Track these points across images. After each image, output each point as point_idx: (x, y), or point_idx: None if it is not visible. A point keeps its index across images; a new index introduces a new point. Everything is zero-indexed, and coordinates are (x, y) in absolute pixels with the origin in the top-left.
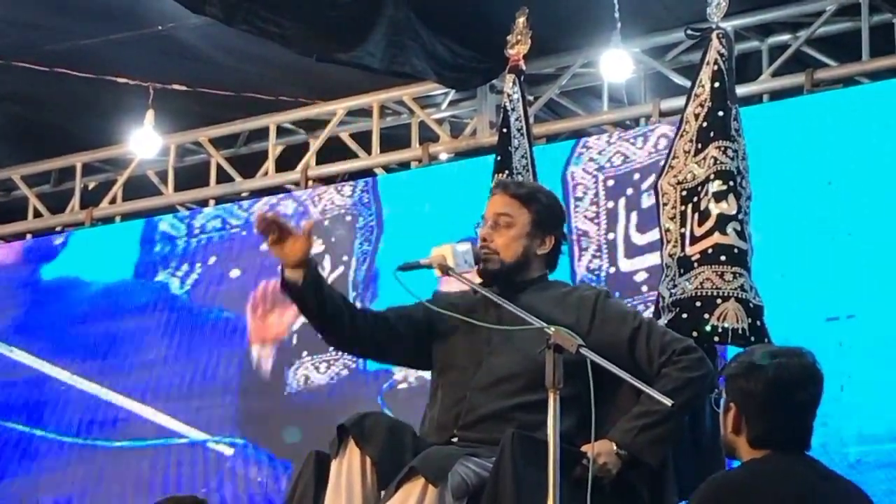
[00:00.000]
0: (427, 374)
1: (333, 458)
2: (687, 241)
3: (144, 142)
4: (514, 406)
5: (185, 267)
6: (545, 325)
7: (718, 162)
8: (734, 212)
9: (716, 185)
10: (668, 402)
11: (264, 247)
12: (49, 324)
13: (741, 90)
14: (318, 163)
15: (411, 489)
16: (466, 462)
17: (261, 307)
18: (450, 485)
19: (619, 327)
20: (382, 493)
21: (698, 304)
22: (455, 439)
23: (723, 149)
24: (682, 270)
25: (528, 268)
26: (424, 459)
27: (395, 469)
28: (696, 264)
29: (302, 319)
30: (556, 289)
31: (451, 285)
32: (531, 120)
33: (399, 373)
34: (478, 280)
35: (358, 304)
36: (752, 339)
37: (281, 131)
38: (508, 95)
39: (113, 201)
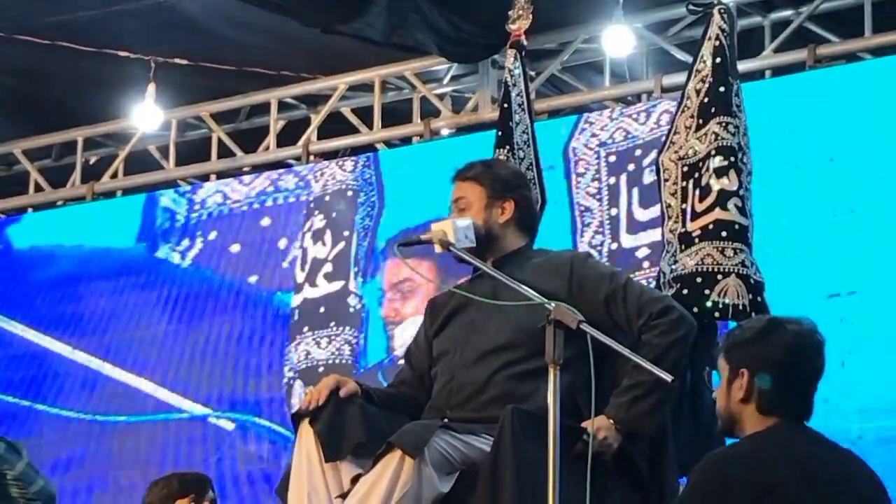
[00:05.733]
0: None
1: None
2: (688, 217)
3: (146, 116)
4: (500, 378)
5: (185, 241)
6: (546, 300)
7: (720, 137)
8: (735, 187)
9: (717, 161)
10: (667, 377)
11: (265, 221)
12: (49, 298)
13: (743, 66)
14: (320, 138)
15: (388, 461)
16: (445, 435)
17: None
18: (428, 457)
19: (595, 289)
20: (340, 463)
21: (699, 279)
22: (445, 420)
23: (724, 124)
24: (683, 246)
25: (498, 240)
26: (401, 433)
27: (337, 440)
28: (696, 240)
29: (303, 296)
30: (537, 257)
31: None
32: (533, 95)
33: (399, 350)
34: None
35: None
36: (753, 314)
37: (282, 106)
38: (510, 71)
39: (114, 176)
